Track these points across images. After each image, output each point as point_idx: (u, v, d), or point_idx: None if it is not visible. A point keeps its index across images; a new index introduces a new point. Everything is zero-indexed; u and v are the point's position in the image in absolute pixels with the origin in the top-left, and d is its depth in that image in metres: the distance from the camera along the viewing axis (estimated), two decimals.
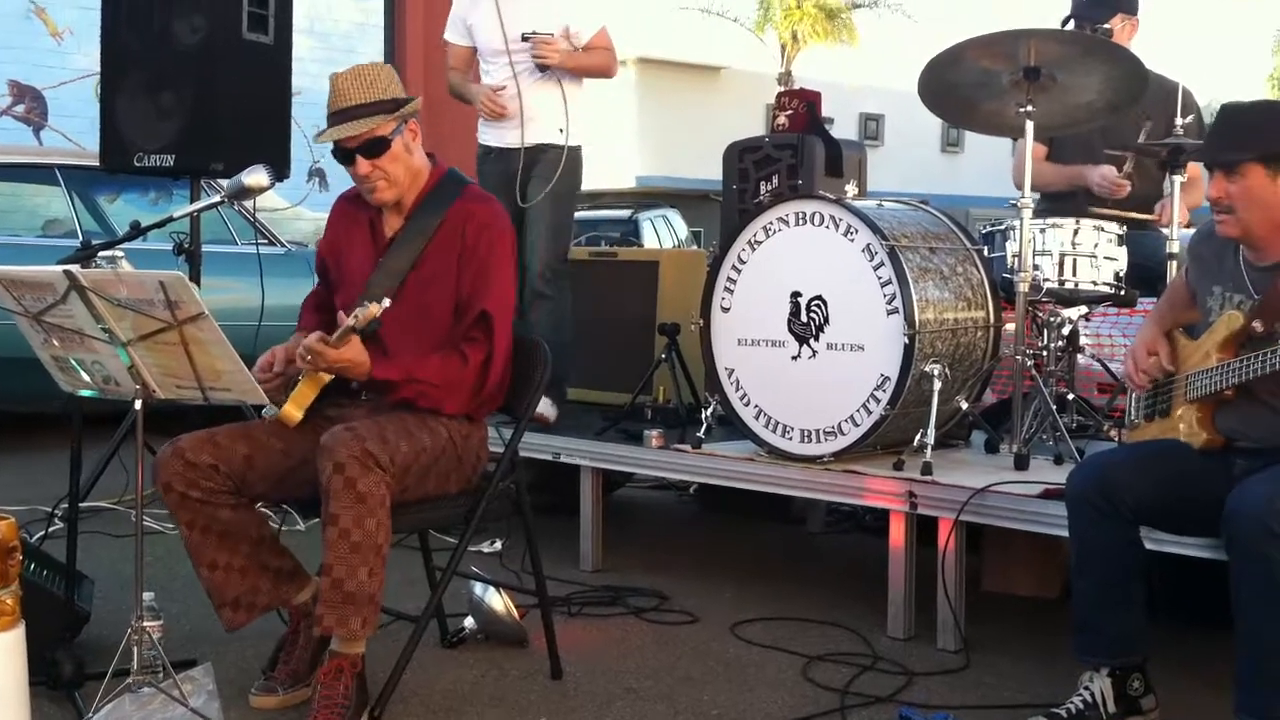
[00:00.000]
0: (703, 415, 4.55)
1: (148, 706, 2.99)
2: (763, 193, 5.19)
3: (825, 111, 5.47)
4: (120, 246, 3.83)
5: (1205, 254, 3.41)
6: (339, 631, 3.05)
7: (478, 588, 3.86)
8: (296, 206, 10.09)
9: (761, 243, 4.36)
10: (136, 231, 3.76)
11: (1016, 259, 4.23)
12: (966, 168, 31.98)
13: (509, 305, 3.47)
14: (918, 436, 4.03)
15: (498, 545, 4.88)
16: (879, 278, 4.06)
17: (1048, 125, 4.42)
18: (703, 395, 4.83)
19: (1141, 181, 4.95)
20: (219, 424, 3.36)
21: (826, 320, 4.19)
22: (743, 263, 4.41)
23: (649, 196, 25.06)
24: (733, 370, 4.43)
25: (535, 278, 5.03)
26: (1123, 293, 4.42)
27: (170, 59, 5.08)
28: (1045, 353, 4.44)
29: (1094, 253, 4.34)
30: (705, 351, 4.50)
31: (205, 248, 5.18)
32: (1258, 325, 3.15)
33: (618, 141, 28.40)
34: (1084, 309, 4.53)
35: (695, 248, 17.54)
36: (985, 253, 4.38)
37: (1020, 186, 4.25)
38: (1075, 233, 4.35)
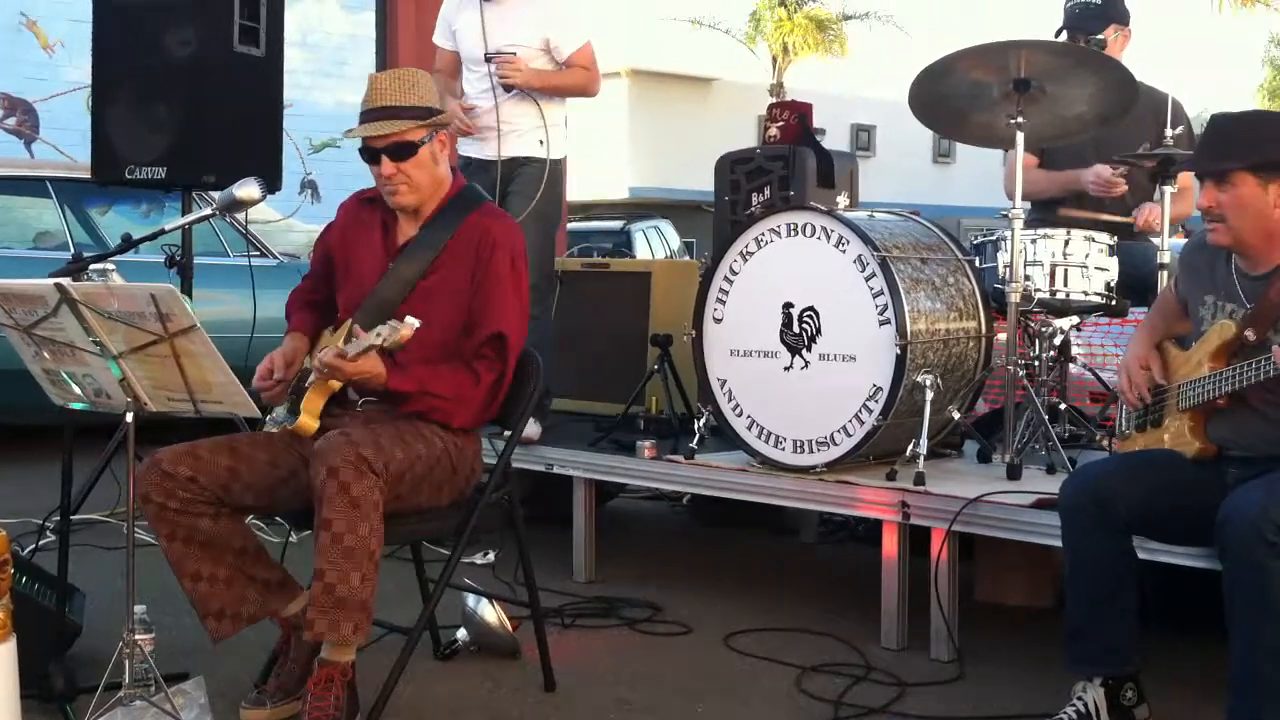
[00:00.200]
0: (695, 426, 4.55)
1: None
2: (754, 204, 5.20)
3: (817, 122, 5.48)
4: (112, 259, 3.83)
5: (1198, 264, 3.42)
6: (330, 636, 3.03)
7: (470, 600, 3.86)
8: (289, 218, 10.08)
9: (753, 254, 4.36)
10: (128, 244, 3.76)
11: (1008, 269, 4.23)
12: (958, 178, 32.04)
13: (522, 327, 3.47)
14: (910, 446, 4.03)
15: (491, 557, 4.87)
16: (871, 288, 4.06)
17: (1038, 137, 4.43)
18: (695, 406, 4.83)
19: (1132, 192, 4.96)
20: (217, 434, 3.36)
21: (819, 331, 4.19)
22: (735, 274, 4.41)
23: (641, 207, 25.11)
24: (725, 381, 4.43)
25: None
26: (1114, 303, 4.43)
27: (162, 72, 5.07)
28: (1037, 363, 4.45)
29: (1085, 263, 4.35)
30: (698, 362, 4.50)
31: (197, 260, 5.17)
32: (1250, 334, 3.16)
33: (610, 152, 28.43)
34: (1075, 319, 4.54)
35: (688, 258, 17.55)
36: (977, 263, 4.39)
37: (1012, 197, 4.26)
38: (1066, 243, 4.36)
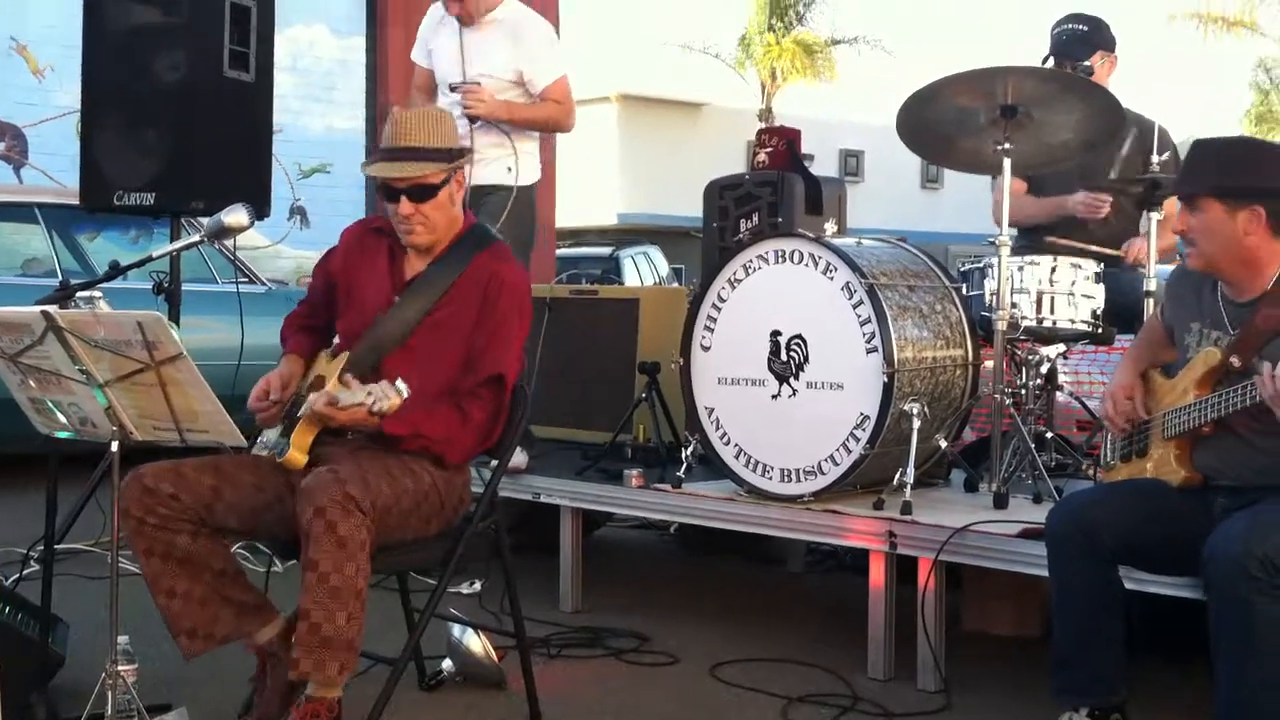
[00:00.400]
0: (683, 454, 4.54)
1: None
2: (743, 230, 5.20)
3: (805, 148, 5.49)
4: (99, 286, 3.82)
5: (1184, 291, 3.43)
6: (315, 676, 3.01)
7: (456, 629, 3.84)
8: (278, 245, 10.07)
9: (741, 281, 4.37)
10: (115, 271, 3.75)
11: (995, 297, 4.24)
12: (946, 204, 32.14)
13: (520, 370, 3.49)
14: (897, 475, 4.03)
15: (477, 586, 4.85)
16: (858, 316, 4.07)
17: (1025, 163, 4.45)
18: (683, 434, 4.82)
19: (1118, 219, 4.98)
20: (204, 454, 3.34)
21: (806, 359, 4.19)
22: (723, 301, 4.41)
23: (630, 233, 25.12)
24: (713, 409, 4.43)
25: None
26: (1100, 330, 4.44)
27: (151, 97, 5.08)
28: (1024, 391, 4.45)
29: (1071, 291, 4.36)
30: (685, 390, 4.50)
31: (185, 286, 5.17)
32: (1235, 360, 3.17)
33: (599, 178, 28.49)
34: (1062, 347, 4.55)
35: (677, 285, 17.58)
36: (964, 291, 4.39)
37: (1000, 223, 4.27)
38: (1053, 270, 4.37)
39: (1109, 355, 4.98)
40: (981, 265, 4.48)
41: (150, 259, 3.95)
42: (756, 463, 4.30)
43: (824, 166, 20.52)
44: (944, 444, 4.22)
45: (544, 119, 5.05)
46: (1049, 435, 4.46)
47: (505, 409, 3.42)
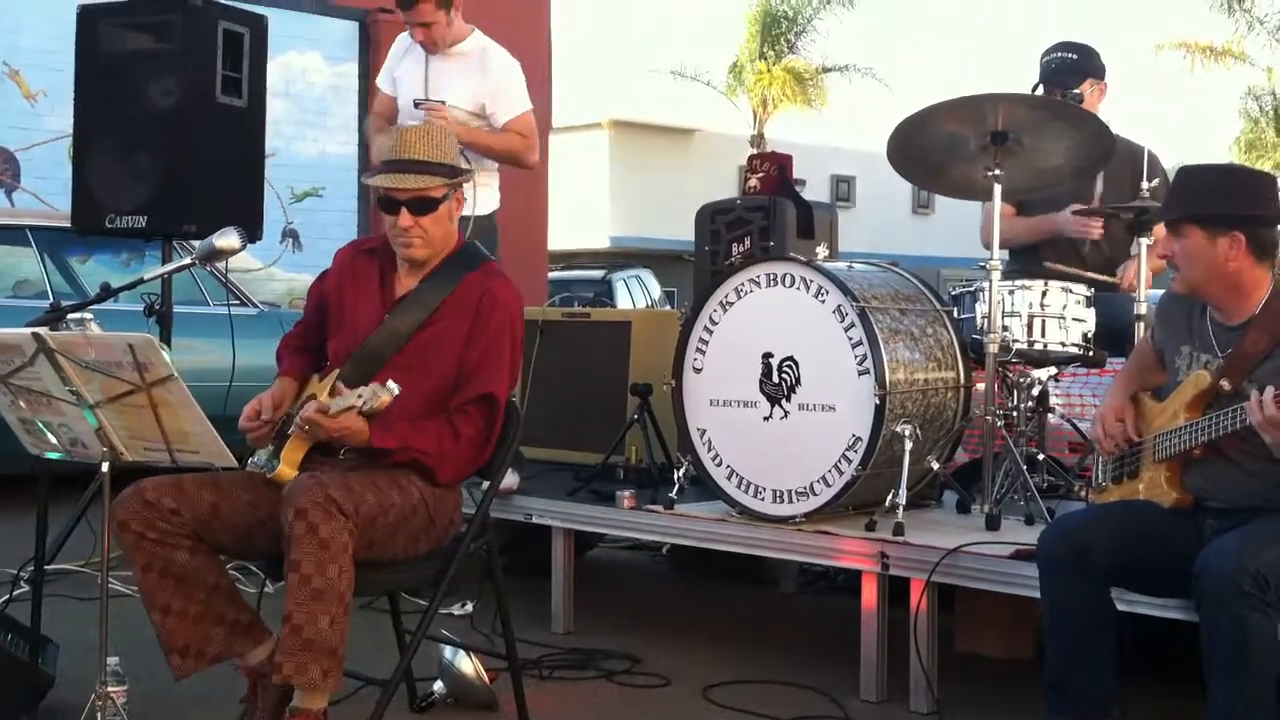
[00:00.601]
0: (675, 476, 4.54)
1: None
2: (734, 254, 5.21)
3: (797, 173, 5.51)
4: (91, 308, 3.82)
5: (1174, 315, 3.45)
6: (297, 680, 2.98)
7: (447, 651, 3.83)
8: (270, 267, 10.08)
9: (733, 304, 4.38)
10: (107, 293, 3.76)
11: (986, 320, 4.25)
12: (937, 229, 32.22)
13: (512, 389, 3.50)
14: (889, 497, 4.03)
15: (469, 608, 4.84)
16: (850, 339, 4.08)
17: (1016, 189, 4.47)
18: (675, 456, 4.83)
19: (1109, 244, 5.00)
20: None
21: (798, 381, 4.20)
22: (715, 323, 4.42)
23: (622, 257, 25.18)
24: (705, 431, 4.43)
25: None
26: (1091, 353, 4.45)
27: (143, 121, 5.10)
28: (1015, 413, 4.46)
29: (1062, 314, 4.37)
30: (677, 412, 4.50)
31: (176, 309, 5.17)
32: (1225, 384, 3.19)
33: (591, 202, 28.54)
34: (1053, 369, 4.56)
35: (669, 308, 17.59)
36: (955, 314, 4.41)
37: (989, 247, 4.29)
38: (1044, 294, 4.39)
39: (1100, 378, 4.99)
40: (973, 289, 4.49)
41: (142, 281, 3.96)
42: (749, 484, 4.30)
43: (816, 192, 20.60)
44: (936, 465, 4.23)
45: (504, 148, 4.99)
46: (1041, 457, 4.47)
47: (497, 427, 3.41)
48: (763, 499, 4.27)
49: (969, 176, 4.37)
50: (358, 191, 10.91)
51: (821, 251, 4.43)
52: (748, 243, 5.20)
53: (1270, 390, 2.96)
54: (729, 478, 4.35)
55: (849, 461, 4.07)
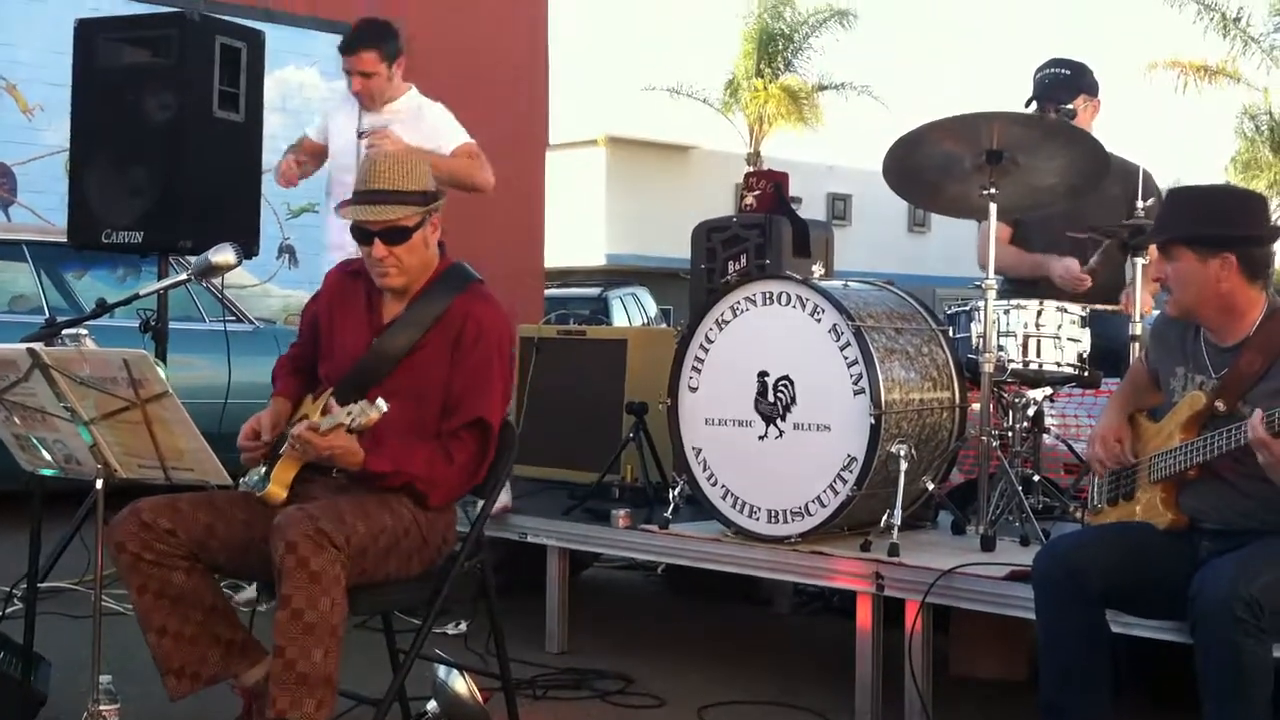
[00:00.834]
0: (670, 495, 4.53)
1: None
2: (730, 272, 5.22)
3: (793, 191, 5.52)
4: (86, 324, 3.82)
5: (1169, 336, 3.46)
6: (292, 714, 2.98)
7: (441, 670, 3.81)
8: (266, 283, 10.06)
9: (729, 322, 4.38)
10: (102, 309, 3.75)
11: (981, 340, 4.26)
12: (933, 248, 32.25)
13: (504, 411, 3.47)
14: (885, 517, 4.03)
15: (463, 627, 4.83)
16: (845, 358, 4.08)
17: (1011, 207, 4.48)
18: (670, 475, 4.82)
19: (1104, 264, 4.99)
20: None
21: (793, 400, 4.20)
22: (710, 342, 4.42)
23: (618, 275, 25.18)
24: (700, 450, 4.43)
25: None
26: (1086, 374, 4.45)
27: (140, 136, 5.10)
28: (1010, 433, 4.46)
29: (1057, 334, 4.38)
30: (673, 430, 4.50)
31: (172, 325, 5.16)
32: (1220, 405, 3.20)
33: (587, 219, 28.54)
34: (1048, 390, 4.55)
35: (664, 326, 17.61)
36: (951, 333, 4.41)
37: (984, 267, 4.29)
38: (1039, 314, 4.39)
39: (1096, 398, 4.98)
40: (968, 308, 4.49)
41: (137, 297, 3.96)
42: (744, 504, 4.30)
43: (812, 210, 20.61)
44: (931, 486, 4.22)
45: (456, 169, 4.93)
46: (1036, 478, 4.46)
47: (490, 451, 3.40)
48: (757, 519, 4.26)
49: (964, 195, 4.38)
50: None
51: (817, 270, 4.44)
52: (743, 261, 5.20)
53: (1258, 413, 2.96)
54: (724, 497, 4.35)
55: (844, 481, 4.06)
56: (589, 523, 4.72)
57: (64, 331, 3.64)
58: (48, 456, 3.14)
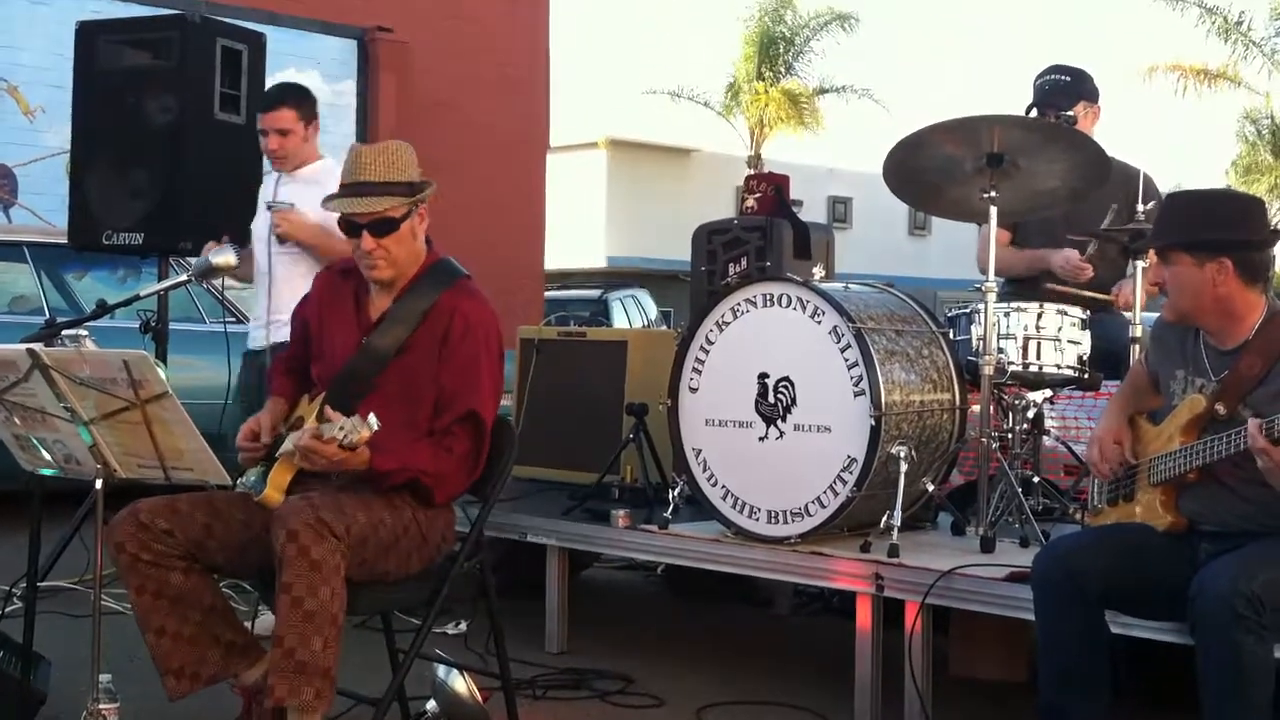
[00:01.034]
0: (670, 495, 4.53)
1: None
2: (731, 274, 5.22)
3: (794, 194, 5.52)
4: (86, 324, 3.83)
5: (1168, 338, 3.46)
6: (290, 702, 2.98)
7: (441, 670, 3.82)
8: None
9: (729, 324, 4.38)
10: (102, 310, 3.76)
11: (981, 342, 4.26)
12: (934, 251, 32.27)
13: (496, 405, 3.46)
14: (884, 518, 4.03)
15: (462, 627, 4.83)
16: (846, 359, 4.08)
17: (1011, 211, 4.48)
18: (670, 475, 4.83)
19: (1104, 266, 5.00)
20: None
21: (793, 401, 4.20)
22: (710, 343, 4.42)
23: (619, 277, 25.17)
24: (700, 450, 4.43)
25: None
26: (1086, 376, 4.45)
27: (141, 138, 5.11)
28: (1010, 435, 4.46)
29: (1057, 336, 4.38)
30: (673, 431, 4.50)
31: (173, 326, 5.17)
32: (1220, 408, 3.20)
33: (588, 222, 28.56)
34: (1048, 392, 4.56)
35: (665, 328, 17.60)
36: (951, 335, 4.41)
37: (985, 270, 4.29)
38: (1039, 316, 4.39)
39: (1096, 401, 4.99)
40: (968, 310, 4.49)
41: (138, 298, 3.97)
42: (743, 504, 4.30)
43: (813, 213, 20.61)
44: (931, 487, 4.22)
45: (334, 245, 4.58)
46: (1036, 479, 4.46)
47: (485, 445, 3.40)
48: (757, 519, 4.26)
49: (965, 198, 4.38)
50: None
51: (818, 272, 4.44)
52: (744, 263, 5.21)
53: (1257, 421, 2.96)
54: (724, 498, 4.35)
55: (844, 482, 4.06)
56: (589, 523, 4.73)
57: (64, 332, 3.65)
58: (47, 456, 3.15)
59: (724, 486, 4.35)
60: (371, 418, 3.04)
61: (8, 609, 4.45)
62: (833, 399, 4.11)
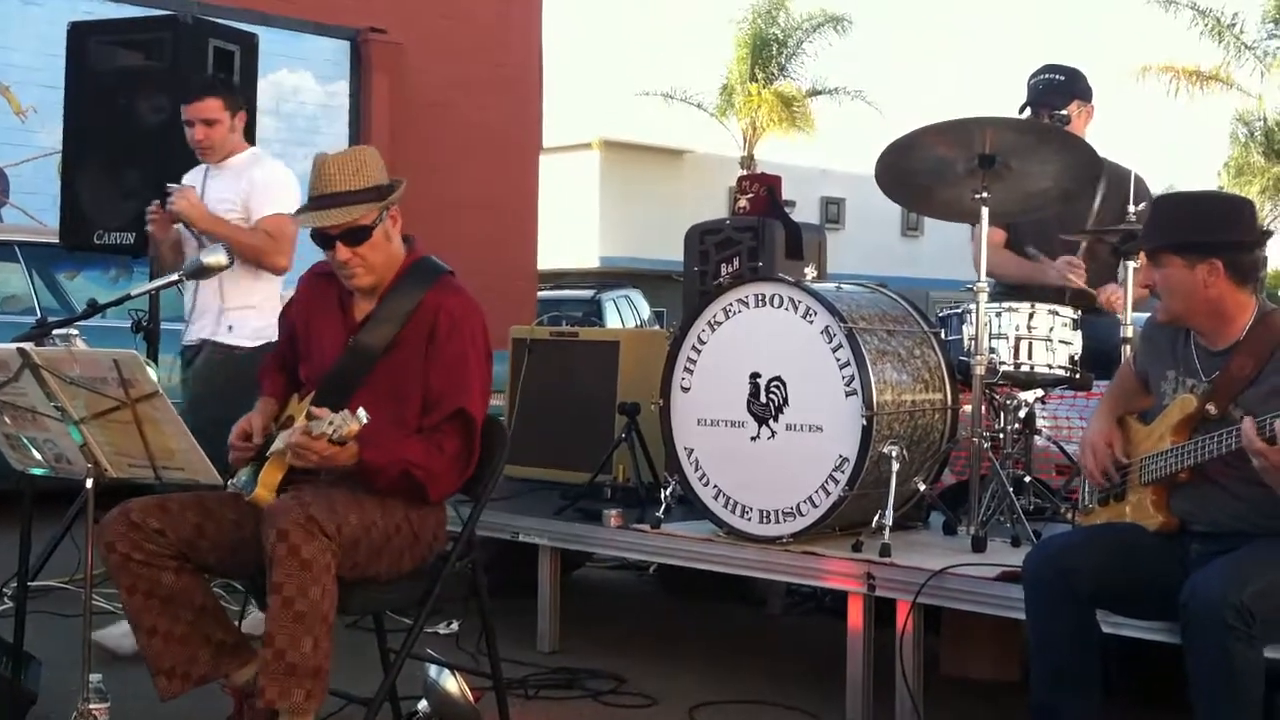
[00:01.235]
0: (662, 495, 4.53)
1: None
2: (723, 274, 5.23)
3: (787, 195, 5.53)
4: (77, 324, 3.82)
5: (1159, 339, 3.46)
6: (281, 704, 2.98)
7: (432, 670, 3.81)
8: None
9: (721, 324, 4.38)
10: (93, 310, 3.75)
11: (973, 342, 4.26)
12: (926, 251, 32.29)
13: (486, 401, 3.45)
14: (876, 518, 4.03)
15: (454, 626, 4.83)
16: (837, 359, 4.08)
17: (1003, 212, 4.48)
18: (662, 475, 4.82)
19: (1096, 268, 5.01)
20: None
21: (785, 401, 4.20)
22: (703, 343, 4.43)
23: (612, 277, 25.15)
24: (692, 450, 4.43)
25: None
26: (1078, 376, 4.46)
27: (133, 138, 5.10)
28: (1002, 435, 4.46)
29: (1049, 336, 4.38)
30: (665, 431, 4.50)
31: (164, 325, 5.16)
32: (1211, 408, 3.20)
33: (581, 222, 28.56)
34: (1040, 391, 4.56)
35: (657, 328, 17.60)
36: (943, 335, 4.41)
37: (978, 270, 4.30)
38: (1030, 316, 4.39)
39: (1087, 400, 4.99)
40: (960, 311, 4.50)
41: (129, 297, 3.96)
42: (735, 504, 4.30)
43: (806, 214, 20.60)
44: (923, 487, 4.23)
45: (250, 243, 4.68)
46: (1027, 479, 4.47)
47: (475, 443, 3.39)
48: (749, 519, 4.27)
49: (957, 199, 4.38)
50: None
51: (810, 272, 4.45)
52: (736, 263, 5.22)
53: (1250, 421, 2.97)
54: (716, 497, 4.35)
55: (836, 482, 4.07)
56: (581, 522, 4.73)
57: (55, 332, 3.64)
58: (38, 456, 3.15)
59: (716, 486, 4.35)
60: (361, 411, 3.04)
61: None
62: (824, 399, 4.11)
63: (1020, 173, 4.25)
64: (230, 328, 4.70)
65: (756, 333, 4.29)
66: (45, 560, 4.67)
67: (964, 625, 4.33)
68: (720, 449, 4.35)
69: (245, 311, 4.73)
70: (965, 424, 4.33)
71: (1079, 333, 4.46)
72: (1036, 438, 4.64)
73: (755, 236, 5.20)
